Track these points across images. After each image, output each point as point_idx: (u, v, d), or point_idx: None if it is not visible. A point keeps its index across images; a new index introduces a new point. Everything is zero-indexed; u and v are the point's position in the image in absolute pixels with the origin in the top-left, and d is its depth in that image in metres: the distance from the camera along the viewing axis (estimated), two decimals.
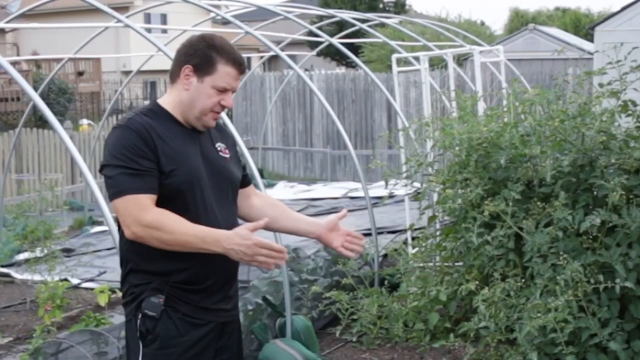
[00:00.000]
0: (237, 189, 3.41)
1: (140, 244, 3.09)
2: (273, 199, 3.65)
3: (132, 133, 3.09)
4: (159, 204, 3.09)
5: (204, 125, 3.23)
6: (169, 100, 3.24)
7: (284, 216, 3.52)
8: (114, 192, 3.06)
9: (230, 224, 3.23)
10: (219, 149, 3.32)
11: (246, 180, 3.52)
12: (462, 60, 17.05)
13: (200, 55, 3.15)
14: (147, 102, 21.59)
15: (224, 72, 3.14)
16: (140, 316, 3.17)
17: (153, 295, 3.15)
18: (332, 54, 35.94)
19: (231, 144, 3.43)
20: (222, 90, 3.17)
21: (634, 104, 5.17)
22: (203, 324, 3.23)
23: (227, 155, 3.35)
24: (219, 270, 3.16)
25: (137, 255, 3.18)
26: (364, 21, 12.76)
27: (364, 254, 7.50)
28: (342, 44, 10.10)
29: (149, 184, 3.06)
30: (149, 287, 3.16)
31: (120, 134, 3.11)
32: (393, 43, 10.61)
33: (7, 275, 8.89)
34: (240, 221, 3.38)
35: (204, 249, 3.02)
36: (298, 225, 3.51)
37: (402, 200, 9.08)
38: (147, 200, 3.04)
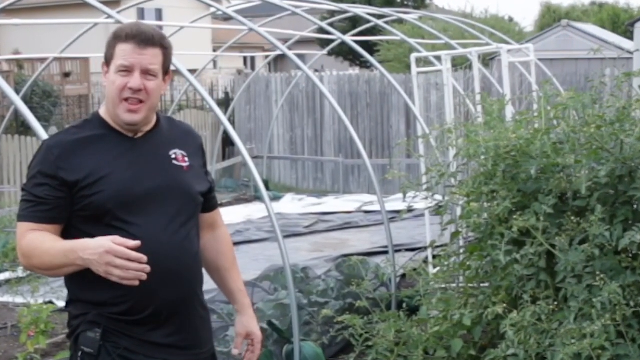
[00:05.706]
0: (198, 203, 3.32)
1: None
2: (226, 245, 3.56)
3: (46, 155, 3.14)
4: (86, 225, 3.09)
5: (125, 123, 3.19)
6: (105, 107, 3.28)
7: (224, 278, 3.52)
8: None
9: (183, 244, 3.18)
10: (173, 156, 3.27)
11: (209, 205, 3.44)
12: (488, 60, 17.08)
13: (106, 47, 3.24)
14: None
15: (120, 50, 3.17)
16: (79, 354, 3.13)
17: (89, 330, 3.11)
18: (344, 53, 36.07)
19: (195, 151, 3.37)
20: (126, 71, 3.16)
21: None
22: None
23: (184, 164, 3.28)
24: (163, 296, 3.08)
25: (72, 283, 3.19)
26: (380, 17, 12.80)
27: (379, 274, 7.51)
28: (356, 42, 10.12)
29: (41, 213, 3.09)
30: (86, 320, 3.13)
31: (38, 154, 3.19)
32: (412, 41, 10.62)
33: None
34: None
35: (75, 265, 2.99)
36: (228, 296, 3.57)
37: (422, 215, 9.08)
38: (27, 228, 3.08)
